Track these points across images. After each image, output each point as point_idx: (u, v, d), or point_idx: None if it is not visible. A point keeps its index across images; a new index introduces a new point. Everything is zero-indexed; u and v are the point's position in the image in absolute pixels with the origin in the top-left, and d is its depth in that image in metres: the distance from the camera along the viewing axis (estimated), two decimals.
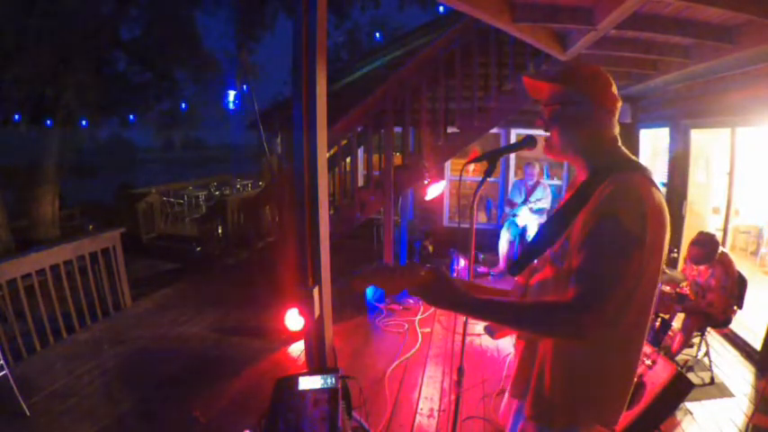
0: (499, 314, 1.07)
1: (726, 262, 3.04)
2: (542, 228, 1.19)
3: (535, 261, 1.22)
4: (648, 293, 1.05)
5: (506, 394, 1.49)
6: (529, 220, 5.24)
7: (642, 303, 1.04)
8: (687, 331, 3.02)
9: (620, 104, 1.16)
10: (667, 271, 3.31)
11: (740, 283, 3.05)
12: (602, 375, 1.09)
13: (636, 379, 1.23)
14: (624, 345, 1.08)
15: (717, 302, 3.00)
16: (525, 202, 5.30)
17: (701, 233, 3.10)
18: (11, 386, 2.71)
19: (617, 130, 1.16)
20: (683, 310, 3.16)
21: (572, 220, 1.07)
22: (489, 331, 1.38)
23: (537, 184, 5.32)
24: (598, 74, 1.14)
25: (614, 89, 1.14)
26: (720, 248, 3.07)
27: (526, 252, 1.19)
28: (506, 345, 3.55)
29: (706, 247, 3.02)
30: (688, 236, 4.35)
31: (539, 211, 5.22)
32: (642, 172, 1.06)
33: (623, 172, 1.04)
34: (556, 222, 1.13)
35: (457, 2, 2.46)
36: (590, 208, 1.03)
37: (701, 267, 3.15)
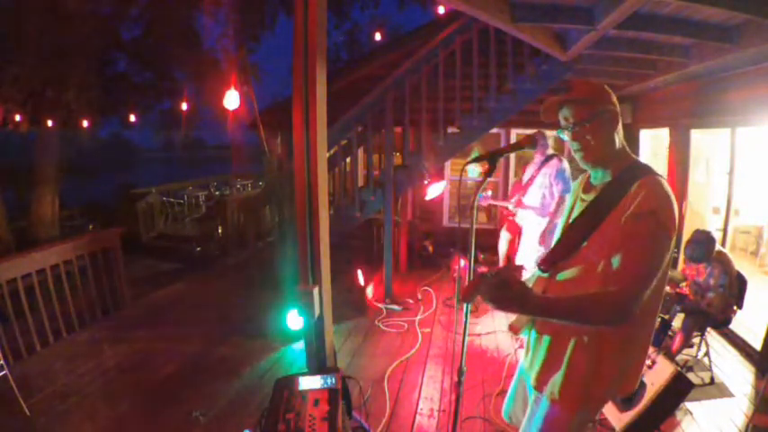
0: (560, 309, 1.19)
1: (724, 261, 3.03)
2: (569, 228, 1.35)
3: (564, 260, 1.34)
4: (664, 278, 1.23)
5: (511, 391, 1.60)
6: (528, 220, 5.22)
7: (658, 287, 1.21)
8: (687, 331, 3.02)
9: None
10: (668, 271, 3.30)
11: (740, 283, 3.05)
12: (628, 354, 1.27)
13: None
14: (645, 323, 1.26)
15: (716, 302, 3.00)
16: None
17: (697, 231, 3.10)
18: (11, 386, 2.71)
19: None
20: (683, 310, 3.16)
21: (601, 219, 1.23)
22: (510, 327, 1.51)
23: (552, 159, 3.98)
24: (604, 86, 1.33)
25: (616, 101, 1.32)
26: (718, 247, 3.07)
27: (554, 251, 1.36)
28: (506, 345, 3.55)
29: (702, 244, 3.02)
30: (688, 236, 4.36)
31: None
32: (661, 175, 1.22)
33: (650, 176, 1.21)
34: (583, 222, 1.29)
35: (457, 2, 2.46)
36: (625, 208, 1.17)
37: (700, 266, 3.14)
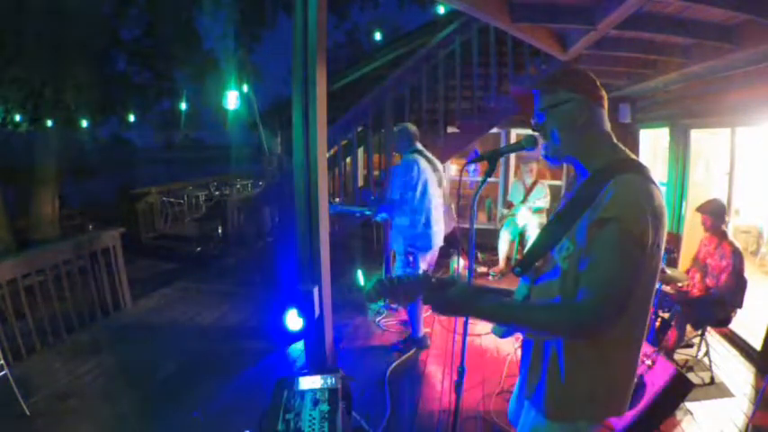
0: (508, 317, 1.14)
1: (731, 241, 3.08)
2: (544, 229, 1.25)
3: (537, 262, 1.25)
4: (648, 290, 1.11)
5: (514, 395, 1.54)
6: (528, 220, 5.24)
7: (642, 300, 1.10)
8: (678, 323, 3.04)
9: (606, 99, 1.20)
10: (668, 271, 3.31)
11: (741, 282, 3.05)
12: (608, 370, 1.14)
13: (635, 378, 1.28)
14: (625, 340, 1.13)
15: (731, 282, 2.99)
16: (524, 201, 5.30)
17: (706, 201, 3.25)
18: (11, 386, 2.71)
19: (608, 126, 1.20)
20: (677, 301, 3.17)
21: (574, 221, 1.11)
22: (498, 330, 1.42)
23: (535, 183, 5.31)
24: (579, 70, 1.21)
25: (598, 83, 1.19)
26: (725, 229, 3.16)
27: (529, 252, 1.25)
28: (506, 345, 3.55)
29: (713, 207, 3.14)
30: (688, 236, 4.36)
31: (537, 210, 5.21)
32: (642, 172, 1.09)
33: (624, 173, 1.07)
34: (558, 223, 1.18)
35: (457, 1, 2.46)
36: (593, 211, 1.06)
37: (711, 247, 3.16)
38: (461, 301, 1.13)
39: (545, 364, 1.20)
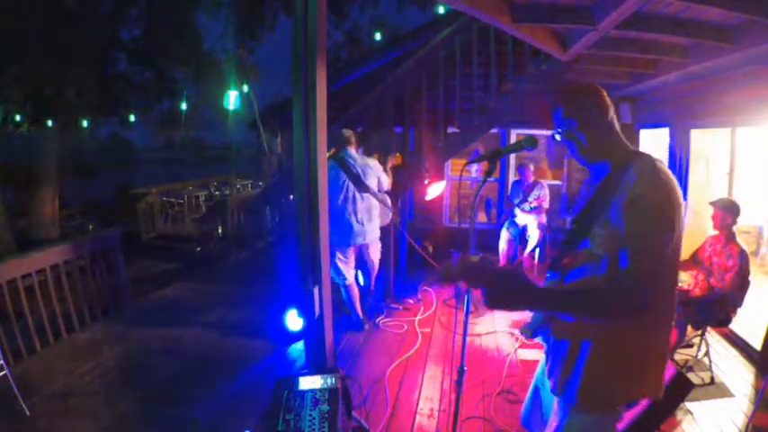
0: (561, 303, 1.19)
1: (739, 242, 3.09)
2: (573, 223, 1.35)
3: (567, 258, 1.33)
4: (674, 270, 1.22)
5: (529, 397, 1.57)
6: (528, 220, 5.24)
7: (669, 280, 1.20)
8: (678, 323, 3.04)
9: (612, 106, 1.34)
10: (676, 260, 3.30)
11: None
12: (643, 352, 1.23)
13: (668, 361, 1.39)
14: (658, 321, 1.21)
15: (736, 281, 2.98)
16: (523, 202, 5.30)
17: (721, 198, 3.27)
18: (11, 386, 2.71)
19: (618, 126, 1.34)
20: (678, 301, 3.16)
21: (602, 211, 1.21)
22: (527, 331, 1.46)
23: (534, 183, 5.31)
24: (588, 84, 1.35)
25: (605, 95, 1.33)
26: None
27: (563, 247, 1.35)
28: (506, 345, 3.55)
29: (727, 203, 3.17)
30: (688, 235, 4.35)
31: (536, 210, 5.21)
32: (655, 159, 1.21)
33: (642, 160, 1.20)
34: (587, 214, 1.29)
35: (456, 1, 2.46)
36: (620, 196, 1.16)
37: (717, 247, 3.16)
38: (523, 293, 1.15)
39: (581, 359, 1.25)
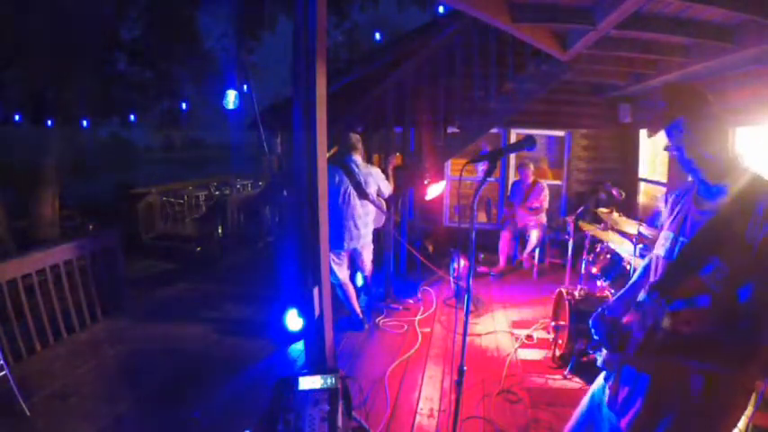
0: (687, 355, 1.13)
1: None
2: (689, 247, 1.19)
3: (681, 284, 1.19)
4: None
5: (579, 418, 1.49)
6: (528, 220, 5.24)
7: None
8: None
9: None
10: None
11: None
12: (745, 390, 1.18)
13: None
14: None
15: None
16: (524, 201, 5.29)
17: None
18: (11, 386, 2.71)
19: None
20: None
21: (727, 243, 1.09)
22: (607, 364, 1.37)
23: (534, 183, 5.31)
24: (697, 89, 1.31)
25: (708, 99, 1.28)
26: None
27: (672, 272, 1.20)
28: (507, 345, 3.54)
29: None
30: None
31: (536, 210, 5.21)
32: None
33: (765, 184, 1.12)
34: (705, 243, 1.14)
35: (456, 1, 2.46)
36: (753, 233, 1.06)
37: None
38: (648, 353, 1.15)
39: (678, 399, 1.16)
